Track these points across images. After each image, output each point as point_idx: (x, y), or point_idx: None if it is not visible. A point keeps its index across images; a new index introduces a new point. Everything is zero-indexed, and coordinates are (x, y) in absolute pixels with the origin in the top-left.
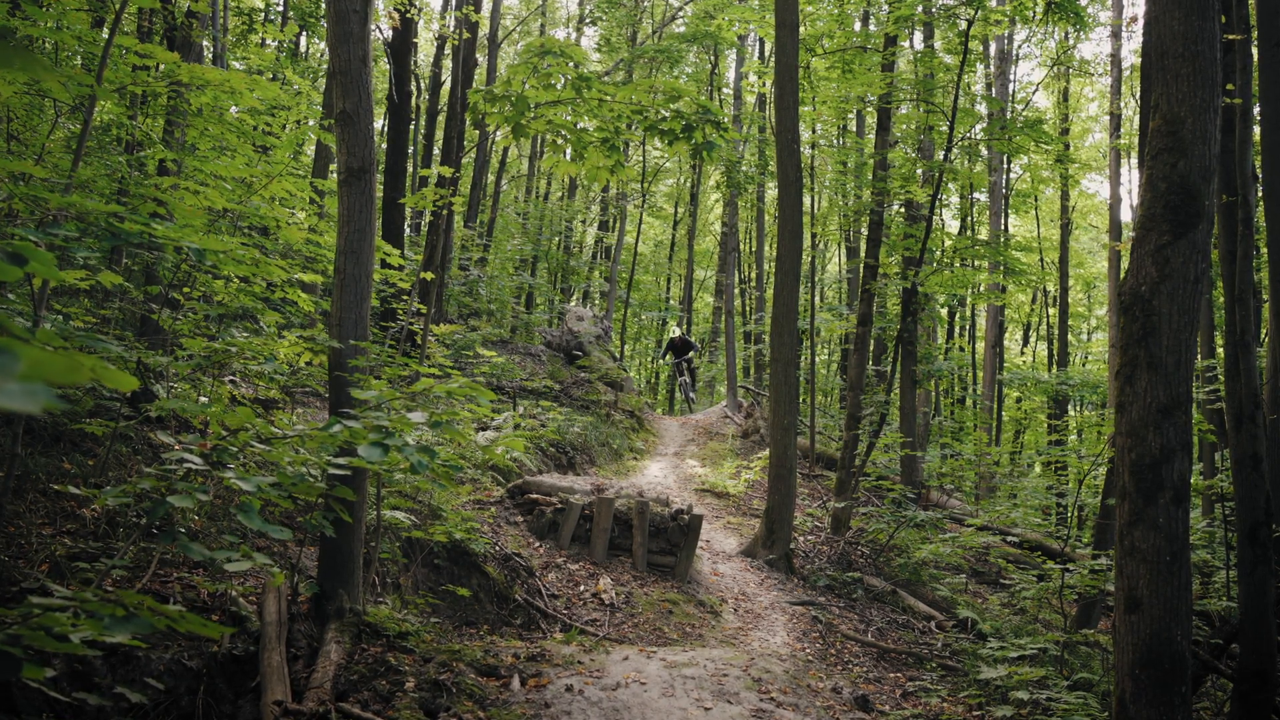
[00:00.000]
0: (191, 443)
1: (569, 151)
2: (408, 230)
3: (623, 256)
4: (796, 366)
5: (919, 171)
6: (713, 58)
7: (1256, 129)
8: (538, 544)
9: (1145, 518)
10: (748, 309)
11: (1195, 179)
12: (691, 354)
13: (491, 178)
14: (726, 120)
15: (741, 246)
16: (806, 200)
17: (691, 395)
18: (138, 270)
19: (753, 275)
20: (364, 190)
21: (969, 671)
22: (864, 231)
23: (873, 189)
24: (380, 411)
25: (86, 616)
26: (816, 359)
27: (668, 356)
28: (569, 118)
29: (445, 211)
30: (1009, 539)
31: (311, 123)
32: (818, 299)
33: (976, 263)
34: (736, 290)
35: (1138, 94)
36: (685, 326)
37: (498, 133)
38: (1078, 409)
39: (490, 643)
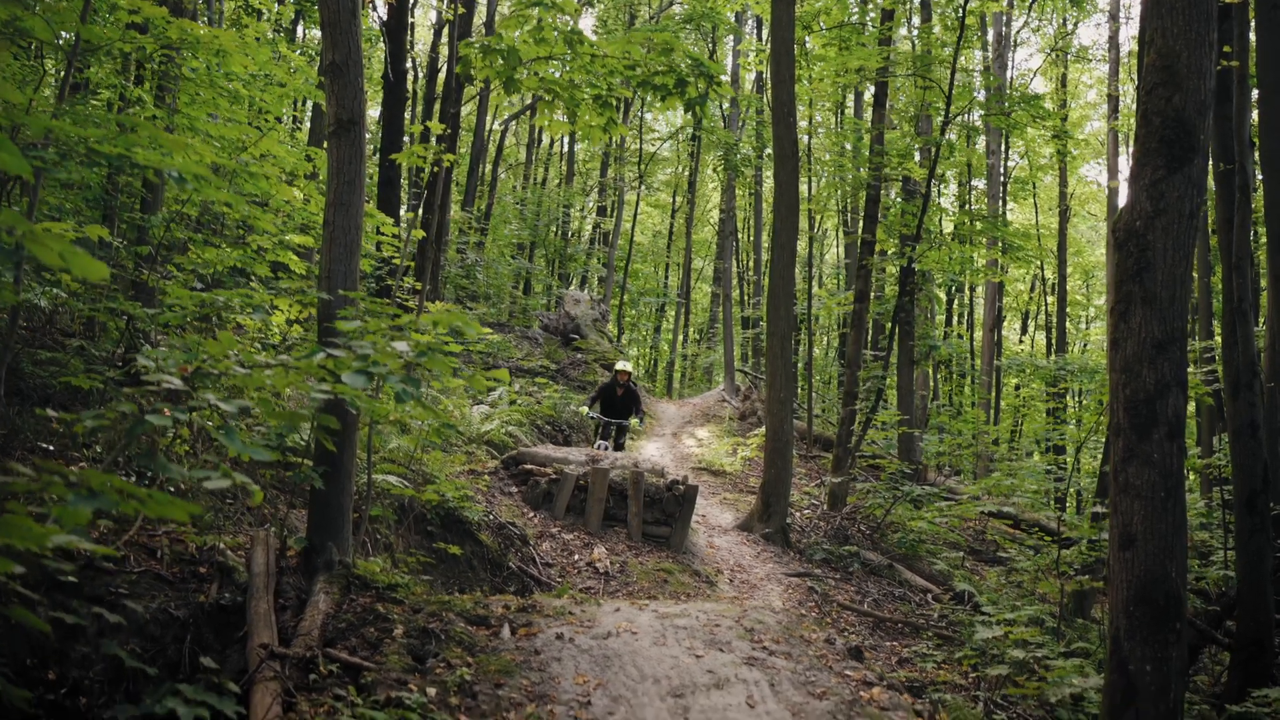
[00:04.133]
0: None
1: (561, 116)
2: (404, 211)
3: (620, 243)
4: (793, 341)
5: (916, 150)
6: (710, 44)
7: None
8: (532, 514)
9: (1139, 453)
10: (745, 297)
11: (1190, 113)
12: (632, 418)
13: (488, 167)
14: (722, 75)
15: (740, 236)
16: (804, 186)
17: (612, 452)
18: (128, 230)
19: (751, 262)
20: (353, 142)
21: (965, 639)
22: (861, 210)
23: (870, 164)
24: (364, 341)
25: (53, 502)
26: (814, 350)
27: (595, 408)
28: (561, 75)
29: (438, 168)
30: (1005, 511)
31: (309, 102)
32: (815, 287)
33: (974, 239)
34: (734, 276)
35: (1135, 75)
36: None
37: (495, 122)
38: (1077, 401)
39: (481, 596)
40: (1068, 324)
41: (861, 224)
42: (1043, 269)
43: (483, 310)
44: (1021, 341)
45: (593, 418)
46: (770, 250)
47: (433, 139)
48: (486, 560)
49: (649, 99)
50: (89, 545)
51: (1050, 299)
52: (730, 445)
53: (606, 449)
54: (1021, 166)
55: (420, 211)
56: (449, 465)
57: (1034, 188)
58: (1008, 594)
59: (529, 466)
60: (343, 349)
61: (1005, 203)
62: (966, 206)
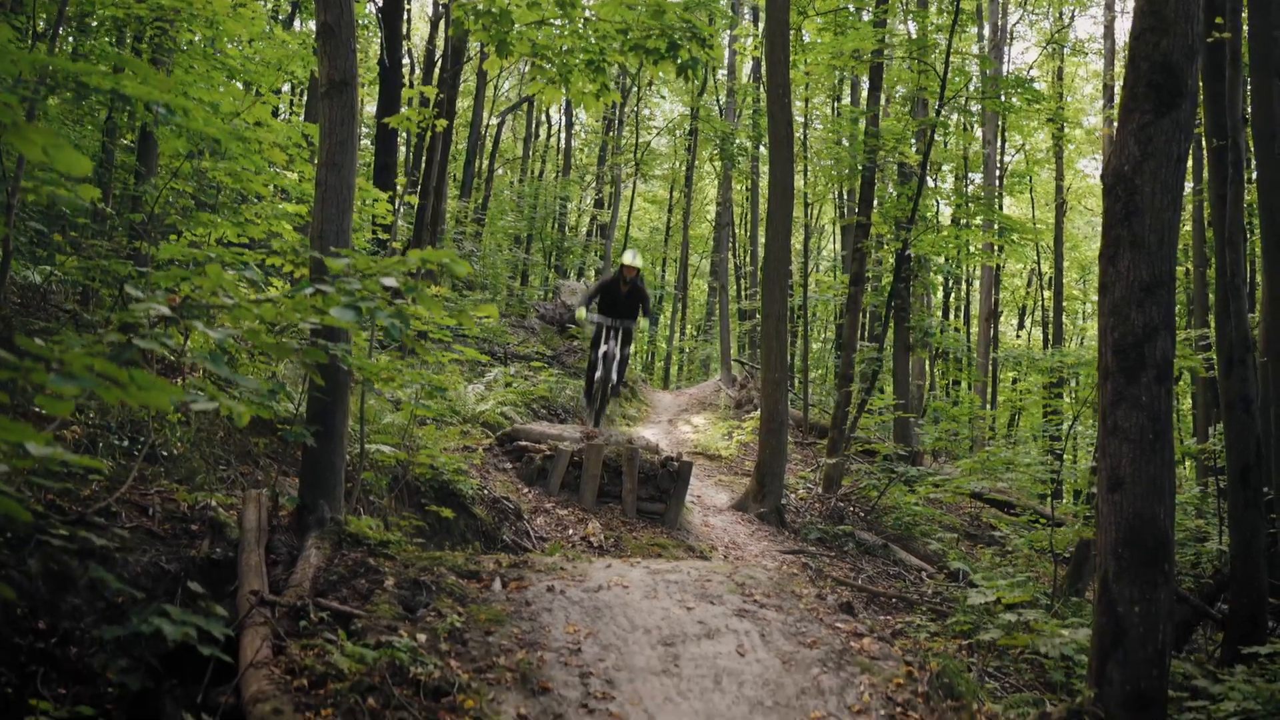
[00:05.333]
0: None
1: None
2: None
3: (617, 235)
4: (788, 321)
5: (911, 135)
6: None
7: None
8: (527, 490)
9: (1128, 396)
10: (742, 291)
11: (1178, 57)
12: (641, 317)
13: (485, 162)
14: (713, 37)
15: (739, 232)
16: (799, 180)
17: (613, 384)
18: (121, 195)
19: (747, 256)
20: (345, 103)
21: (960, 608)
22: (857, 196)
23: (865, 147)
24: (352, 277)
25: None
26: (811, 342)
27: (591, 307)
28: (553, 40)
29: (430, 131)
30: (998, 497)
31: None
32: (811, 282)
33: (970, 222)
34: (731, 268)
35: None
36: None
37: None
38: (1074, 395)
39: (473, 553)
40: (1065, 319)
41: (857, 207)
42: (1039, 263)
43: (478, 297)
44: (1018, 336)
45: (592, 320)
46: (766, 233)
47: (431, 104)
48: (480, 533)
49: (644, 91)
50: (73, 458)
51: (1047, 294)
52: (726, 429)
53: (611, 363)
54: (1018, 161)
55: (419, 183)
56: (443, 440)
57: (1030, 181)
58: (1002, 571)
59: (524, 443)
60: (332, 286)
61: (1002, 197)
62: (963, 196)
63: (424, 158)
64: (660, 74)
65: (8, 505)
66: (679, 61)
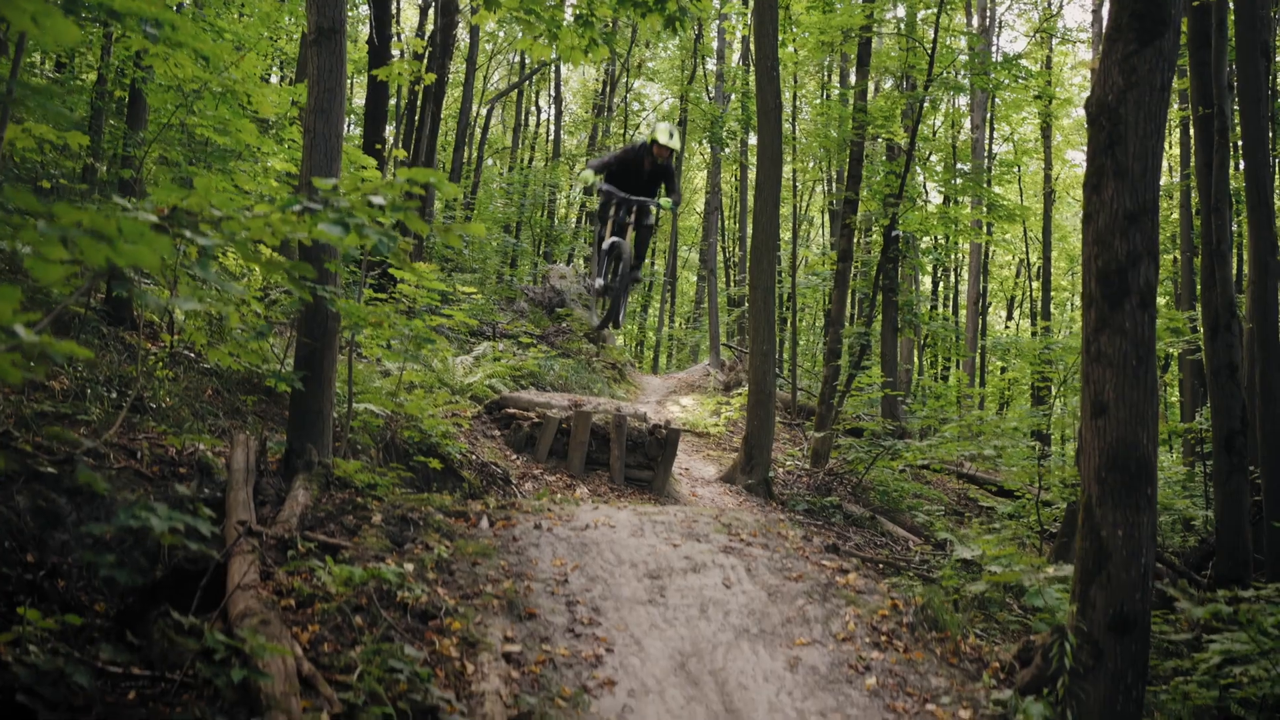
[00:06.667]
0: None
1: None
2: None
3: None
4: (775, 303)
5: (899, 113)
6: (697, 26)
7: None
8: (515, 456)
9: (1111, 323)
10: (731, 279)
11: None
12: (664, 197)
13: (474, 152)
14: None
15: (727, 222)
16: (786, 170)
17: (627, 287)
18: (110, 147)
19: (735, 243)
20: (333, 50)
21: (948, 564)
22: (846, 171)
23: (854, 122)
24: (340, 196)
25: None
26: (799, 331)
27: (602, 179)
28: None
29: (419, 87)
30: (984, 471)
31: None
32: (800, 272)
33: (958, 198)
34: (720, 259)
35: None
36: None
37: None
38: (1063, 394)
39: (460, 497)
40: (1053, 310)
41: (846, 183)
42: (1028, 254)
43: (467, 278)
44: (1006, 327)
45: (600, 190)
46: (755, 202)
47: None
48: (468, 498)
49: (633, 79)
50: (61, 345)
51: (1035, 284)
52: (714, 405)
53: (625, 260)
54: (1006, 152)
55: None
56: (430, 405)
57: (1019, 172)
58: (987, 540)
59: (512, 410)
60: (319, 204)
61: (990, 173)
62: (951, 172)
63: (414, 136)
64: (650, 29)
65: None
66: (666, 13)
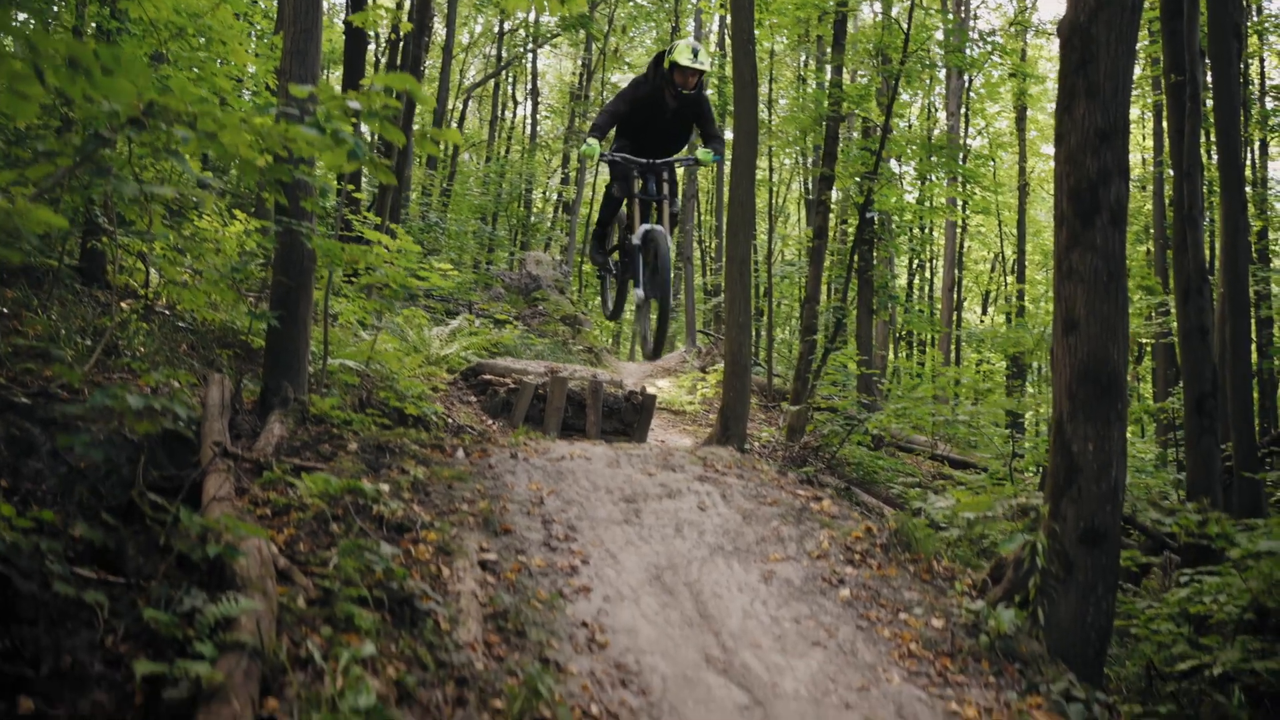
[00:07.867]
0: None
1: None
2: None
3: (583, 210)
4: (751, 266)
5: (874, 91)
6: (674, 18)
7: None
8: (491, 421)
9: (1083, 240)
10: (708, 270)
11: None
12: (704, 151)
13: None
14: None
15: (706, 217)
16: (762, 164)
17: (669, 289)
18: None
19: (711, 240)
20: None
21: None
22: (822, 149)
23: (830, 98)
24: (316, 102)
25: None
26: (775, 323)
27: (603, 146)
28: None
29: (396, 35)
30: (951, 444)
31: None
32: (777, 262)
33: (934, 175)
34: (695, 243)
35: None
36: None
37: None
38: (1037, 386)
39: (436, 434)
40: (1027, 303)
41: (821, 160)
42: (1003, 247)
43: (445, 261)
44: (982, 321)
45: (607, 160)
46: (731, 175)
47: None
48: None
49: (613, 73)
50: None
51: (1010, 279)
52: (689, 383)
53: (651, 242)
54: (981, 146)
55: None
56: (406, 369)
57: (994, 166)
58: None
59: (488, 377)
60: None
61: (966, 151)
62: (927, 147)
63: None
64: None
65: None
66: None
